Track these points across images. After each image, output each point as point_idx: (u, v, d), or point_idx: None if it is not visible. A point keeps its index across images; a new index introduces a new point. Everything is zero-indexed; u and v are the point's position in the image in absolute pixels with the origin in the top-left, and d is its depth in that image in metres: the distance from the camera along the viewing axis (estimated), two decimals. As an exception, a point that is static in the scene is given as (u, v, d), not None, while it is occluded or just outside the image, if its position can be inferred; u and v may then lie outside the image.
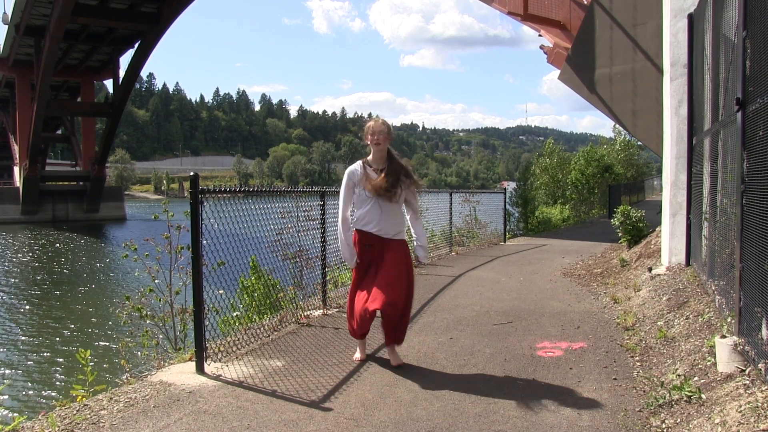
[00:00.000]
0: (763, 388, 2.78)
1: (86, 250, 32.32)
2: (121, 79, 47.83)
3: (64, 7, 34.36)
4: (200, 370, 4.13)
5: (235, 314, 5.61)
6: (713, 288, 4.63)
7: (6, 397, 9.63)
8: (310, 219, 6.00)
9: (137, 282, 16.45)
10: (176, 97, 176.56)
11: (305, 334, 5.20)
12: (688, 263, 6.39)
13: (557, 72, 14.20)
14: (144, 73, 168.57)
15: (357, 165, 4.23)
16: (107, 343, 12.64)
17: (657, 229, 8.93)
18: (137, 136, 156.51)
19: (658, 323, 4.81)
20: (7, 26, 44.63)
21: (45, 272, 24.51)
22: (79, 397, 3.92)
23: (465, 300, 6.75)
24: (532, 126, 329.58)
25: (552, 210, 22.87)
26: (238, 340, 4.79)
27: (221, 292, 4.62)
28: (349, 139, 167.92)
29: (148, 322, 5.26)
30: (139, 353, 5.59)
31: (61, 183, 55.97)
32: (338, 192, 6.37)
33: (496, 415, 3.31)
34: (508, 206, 16.58)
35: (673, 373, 3.59)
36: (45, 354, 12.60)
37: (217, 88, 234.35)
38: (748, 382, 2.99)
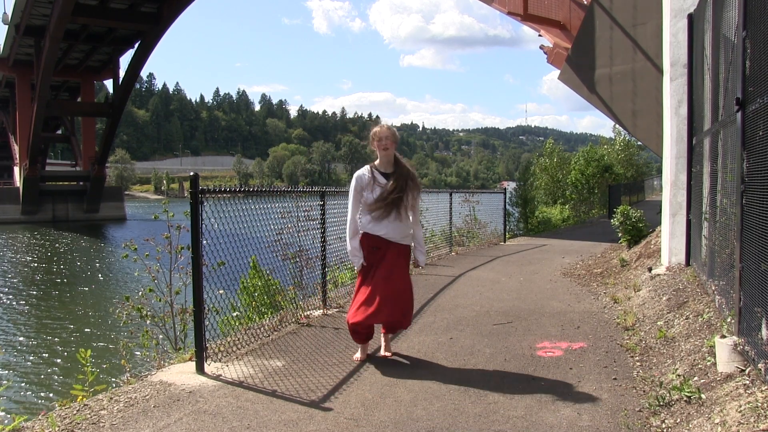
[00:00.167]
0: (763, 388, 2.78)
1: (86, 250, 32.32)
2: (121, 79, 47.83)
3: (64, 7, 34.35)
4: (200, 370, 4.13)
5: (235, 314, 5.61)
6: (713, 288, 4.63)
7: (6, 397, 9.62)
8: (310, 219, 6.01)
9: (137, 282, 16.46)
10: (176, 97, 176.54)
11: (305, 334, 5.20)
12: (688, 263, 6.39)
13: (557, 72, 14.21)
14: (144, 73, 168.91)
15: (365, 170, 4.29)
16: (107, 343, 12.63)
17: (657, 229, 8.93)
18: (137, 136, 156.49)
19: (658, 323, 4.81)
20: (7, 26, 44.63)
21: (45, 272, 24.51)
22: (79, 397, 3.92)
23: (465, 300, 6.75)
24: (532, 126, 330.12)
25: (552, 210, 22.87)
26: (238, 340, 4.79)
27: (221, 292, 4.63)
28: (349, 139, 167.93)
29: (148, 322, 5.26)
30: (139, 353, 5.59)
31: (61, 183, 55.98)
32: (338, 192, 6.45)
33: (496, 415, 3.31)
34: (508, 206, 16.58)
35: (673, 373, 3.59)
36: (45, 354, 12.61)
37: (217, 88, 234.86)
38: (748, 382, 2.99)
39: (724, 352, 3.31)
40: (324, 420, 3.29)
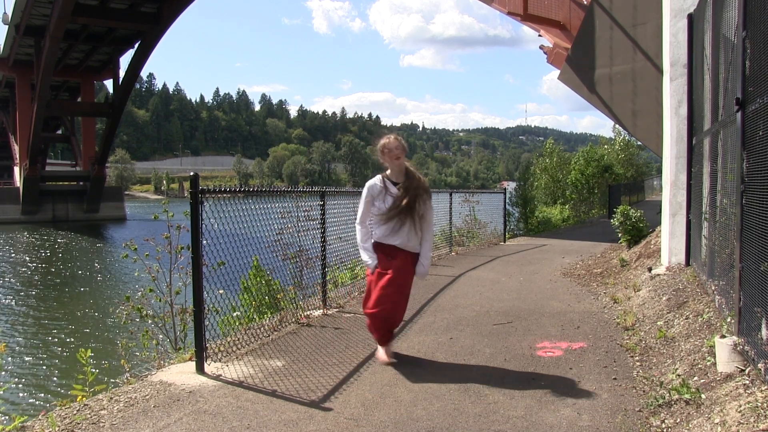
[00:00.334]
0: (763, 388, 2.78)
1: (86, 250, 32.32)
2: (121, 79, 47.82)
3: (64, 7, 34.35)
4: (200, 370, 4.13)
5: (235, 314, 5.61)
6: (713, 288, 4.63)
7: (6, 397, 9.62)
8: (310, 219, 6.01)
9: (137, 282, 16.45)
10: (176, 97, 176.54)
11: (305, 334, 5.20)
12: (687, 263, 6.39)
13: (557, 72, 14.20)
14: (144, 73, 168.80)
15: (377, 179, 4.33)
16: (107, 344, 12.64)
17: (657, 229, 8.93)
18: (137, 136, 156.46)
19: (658, 323, 4.81)
20: (7, 26, 44.61)
21: (45, 272, 24.52)
22: (80, 397, 3.92)
23: (465, 300, 6.76)
24: (532, 126, 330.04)
25: (552, 210, 22.85)
26: (238, 340, 4.79)
27: (221, 292, 4.63)
28: (349, 139, 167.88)
29: (148, 322, 5.26)
30: (139, 353, 5.59)
31: (61, 183, 55.97)
32: (338, 192, 6.47)
33: (496, 415, 3.31)
34: (508, 206, 16.58)
35: (673, 373, 3.59)
36: (45, 354, 12.61)
37: (217, 88, 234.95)
38: (747, 382, 2.99)
39: (724, 352, 3.31)
40: (324, 420, 3.30)
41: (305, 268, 6.15)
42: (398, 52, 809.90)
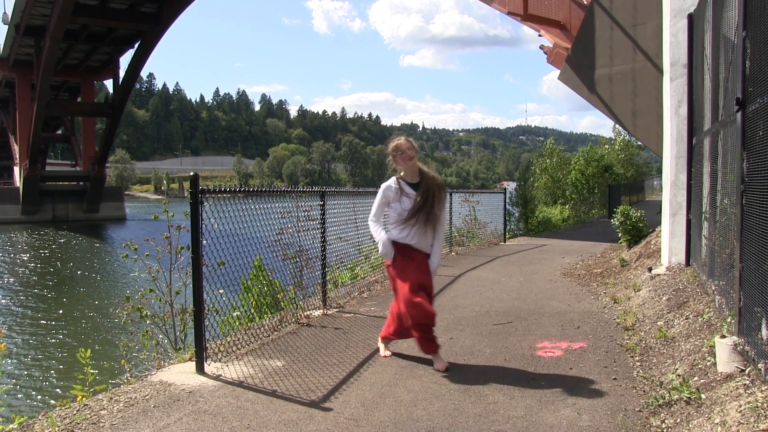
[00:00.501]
0: (763, 388, 2.78)
1: (86, 250, 32.32)
2: (121, 79, 47.83)
3: (64, 7, 34.35)
4: (200, 370, 4.13)
5: (235, 314, 5.61)
6: (713, 288, 4.63)
7: (6, 397, 9.62)
8: (310, 219, 6.01)
9: (137, 282, 16.45)
10: (176, 97, 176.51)
11: (305, 334, 5.20)
12: (688, 263, 6.39)
13: (557, 72, 14.20)
14: (144, 73, 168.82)
15: (392, 181, 4.34)
16: (107, 344, 12.64)
17: (657, 229, 8.93)
18: (137, 136, 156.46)
19: (658, 323, 4.81)
20: (7, 26, 44.63)
21: (45, 272, 24.52)
22: (79, 397, 3.92)
23: (465, 300, 6.75)
24: (532, 126, 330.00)
25: (552, 210, 22.85)
26: (238, 340, 4.79)
27: (221, 292, 4.63)
28: (349, 139, 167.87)
29: (148, 322, 5.26)
30: (139, 353, 5.59)
31: (61, 183, 55.97)
32: (338, 192, 6.46)
33: (496, 415, 3.31)
34: (508, 206, 16.58)
35: (673, 373, 3.59)
36: (45, 354, 12.61)
37: (217, 88, 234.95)
38: (747, 382, 2.99)
39: (724, 352, 3.31)
40: (324, 420, 3.30)
41: (305, 268, 6.15)
42: (398, 52, 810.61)
